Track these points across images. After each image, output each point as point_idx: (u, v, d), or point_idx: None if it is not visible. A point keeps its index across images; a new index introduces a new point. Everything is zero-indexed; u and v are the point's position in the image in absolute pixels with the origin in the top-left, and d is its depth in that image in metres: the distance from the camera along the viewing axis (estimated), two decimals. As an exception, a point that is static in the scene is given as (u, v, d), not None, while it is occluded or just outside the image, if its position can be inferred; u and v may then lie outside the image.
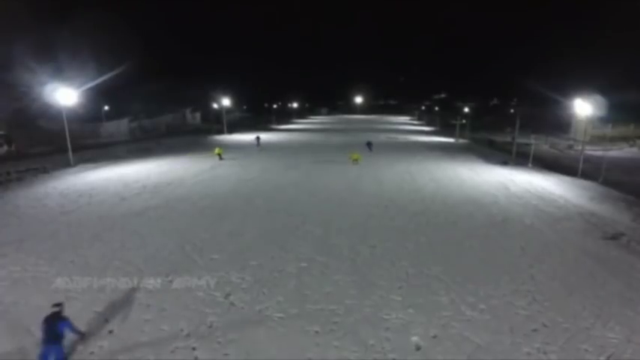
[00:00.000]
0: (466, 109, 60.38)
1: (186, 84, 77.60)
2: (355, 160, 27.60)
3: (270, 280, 9.72)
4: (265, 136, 46.00)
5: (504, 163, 29.09)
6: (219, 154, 29.72)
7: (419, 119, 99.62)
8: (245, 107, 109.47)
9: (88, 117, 49.46)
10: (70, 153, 26.84)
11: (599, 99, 23.81)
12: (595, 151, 34.15)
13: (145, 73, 68.33)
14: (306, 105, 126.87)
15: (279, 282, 9.61)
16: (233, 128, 58.40)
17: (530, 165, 27.61)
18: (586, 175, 23.76)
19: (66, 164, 26.35)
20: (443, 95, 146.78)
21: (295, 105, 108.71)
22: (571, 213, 15.98)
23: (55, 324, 6.51)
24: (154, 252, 11.38)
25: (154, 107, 63.86)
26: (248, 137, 47.93)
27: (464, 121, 54.03)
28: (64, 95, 26.32)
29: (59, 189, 19.70)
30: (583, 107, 23.49)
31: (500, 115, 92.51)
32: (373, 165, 27.52)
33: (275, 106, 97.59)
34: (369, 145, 34.96)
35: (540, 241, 12.68)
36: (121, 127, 51.60)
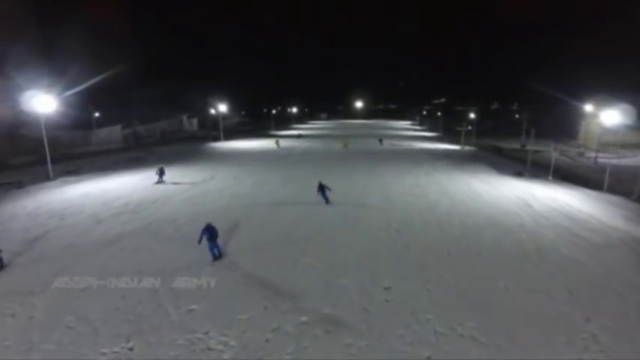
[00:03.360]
0: (472, 115, 58.06)
1: (183, 89, 75.64)
2: (345, 146, 41.64)
3: (261, 345, 7.56)
4: (264, 143, 44.00)
5: (519, 174, 26.97)
6: (277, 143, 43.08)
7: (420, 124, 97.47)
8: (243, 113, 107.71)
9: (79, 124, 47.35)
10: (50, 165, 24.70)
11: (628, 107, 21.71)
12: (609, 159, 32.18)
13: (140, 77, 66.56)
14: (306, 110, 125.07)
15: (273, 348, 7.46)
16: (230, 135, 56.36)
17: (550, 178, 25.36)
18: (610, 188, 21.79)
19: (45, 177, 24.26)
20: (443, 99, 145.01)
21: (295, 110, 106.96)
22: (611, 239, 13.87)
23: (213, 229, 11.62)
24: (118, 300, 9.24)
25: (149, 113, 61.72)
26: (245, 145, 45.91)
27: (469, 127, 51.97)
28: (42, 102, 24.21)
29: (29, 208, 17.57)
30: (612, 116, 21.35)
31: (502, 120, 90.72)
32: (379, 177, 25.42)
33: (274, 111, 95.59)
34: (380, 141, 48.32)
35: (588, 279, 10.56)
36: (113, 134, 49.43)
